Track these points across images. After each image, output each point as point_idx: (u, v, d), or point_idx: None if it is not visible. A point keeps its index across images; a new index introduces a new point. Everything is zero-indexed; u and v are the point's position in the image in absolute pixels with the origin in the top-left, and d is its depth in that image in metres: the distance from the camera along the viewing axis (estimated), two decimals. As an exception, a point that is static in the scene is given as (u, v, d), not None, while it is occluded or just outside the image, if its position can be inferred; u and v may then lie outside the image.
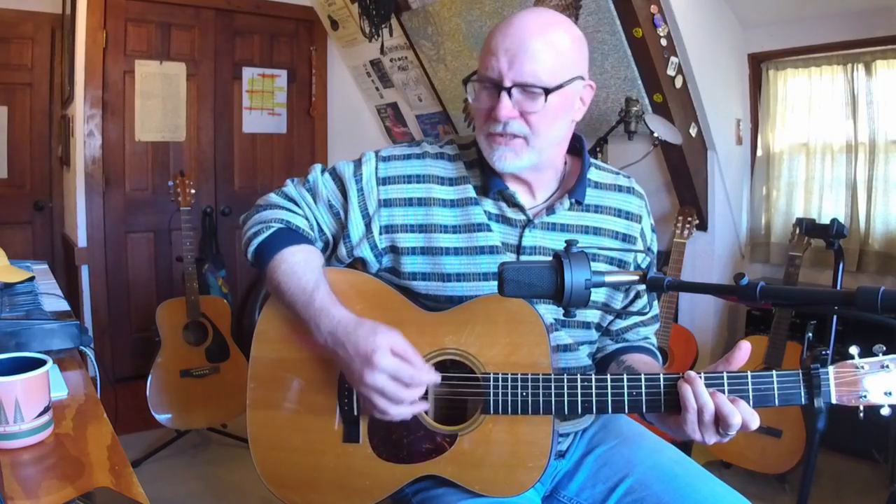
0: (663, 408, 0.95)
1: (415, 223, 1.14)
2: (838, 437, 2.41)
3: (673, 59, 2.67)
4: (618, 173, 1.25)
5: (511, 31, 1.04)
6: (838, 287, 2.14)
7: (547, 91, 1.03)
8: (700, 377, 0.92)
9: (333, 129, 4.19)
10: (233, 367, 2.85)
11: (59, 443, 0.96)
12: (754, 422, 0.90)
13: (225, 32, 3.78)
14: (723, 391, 0.93)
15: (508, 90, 1.03)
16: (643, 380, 0.96)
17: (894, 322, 0.85)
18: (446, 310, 1.08)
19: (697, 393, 0.91)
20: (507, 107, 1.04)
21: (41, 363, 0.96)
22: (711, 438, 0.92)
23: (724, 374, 0.93)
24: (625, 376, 0.97)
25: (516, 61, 1.03)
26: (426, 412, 1.06)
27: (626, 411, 0.98)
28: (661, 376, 0.96)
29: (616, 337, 1.25)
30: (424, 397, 1.05)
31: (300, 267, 1.10)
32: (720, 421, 0.90)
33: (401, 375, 0.99)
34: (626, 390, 0.97)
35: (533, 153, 1.09)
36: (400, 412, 1.01)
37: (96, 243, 3.45)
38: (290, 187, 1.21)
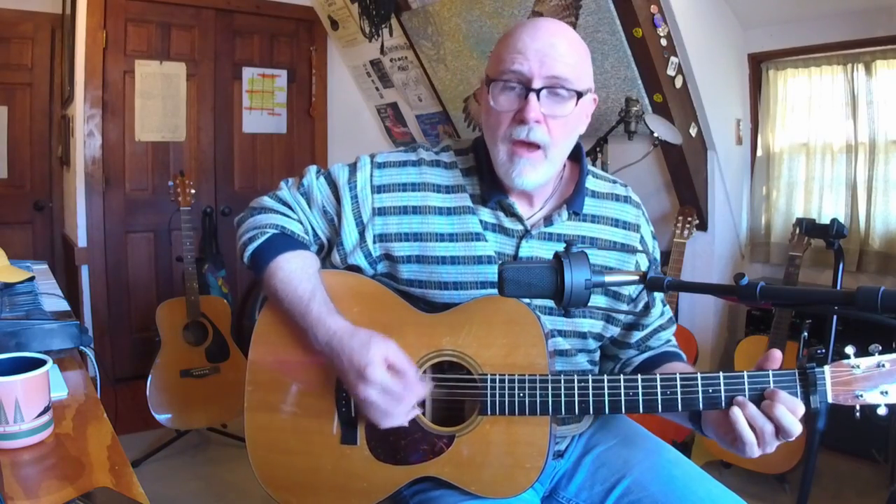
0: (660, 408, 0.95)
1: (409, 231, 1.13)
2: (838, 437, 2.41)
3: (673, 59, 2.67)
4: (615, 182, 1.23)
5: (539, 33, 1.04)
6: (838, 287, 2.14)
7: (579, 95, 1.04)
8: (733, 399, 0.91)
9: (333, 130, 4.18)
10: (233, 367, 2.85)
11: (59, 443, 0.96)
12: (800, 409, 0.90)
13: (225, 32, 3.78)
14: (718, 391, 0.92)
15: (538, 91, 1.03)
16: (640, 380, 0.96)
17: (894, 322, 0.85)
18: (443, 311, 1.08)
19: (751, 417, 0.90)
20: (535, 108, 1.02)
21: (41, 363, 0.96)
22: (773, 448, 0.92)
23: (721, 375, 0.93)
24: (621, 376, 0.97)
25: (548, 60, 1.02)
26: (423, 414, 1.06)
27: (624, 412, 0.98)
28: (659, 376, 0.96)
29: (639, 346, 1.23)
30: (421, 402, 1.05)
31: (296, 275, 1.09)
32: (781, 433, 0.90)
33: (392, 390, 0.99)
34: (622, 391, 0.97)
35: (548, 166, 1.08)
36: (391, 423, 1.01)
37: (96, 243, 3.45)
38: (285, 190, 1.20)
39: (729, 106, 2.95)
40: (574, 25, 2.73)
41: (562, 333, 1.15)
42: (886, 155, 2.66)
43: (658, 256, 1.26)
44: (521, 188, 1.09)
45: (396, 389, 0.99)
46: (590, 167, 1.21)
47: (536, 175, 1.07)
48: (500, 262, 1.12)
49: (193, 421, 2.79)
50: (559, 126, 1.05)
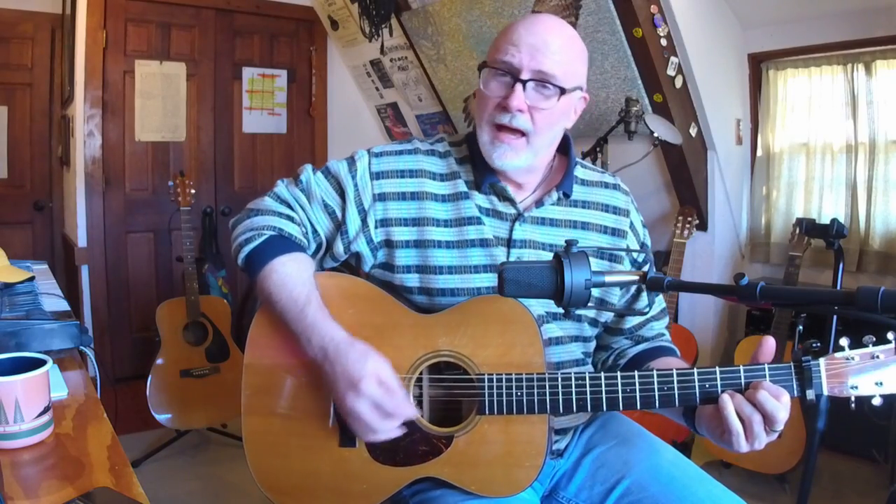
0: (658, 404, 0.96)
1: (408, 217, 1.16)
2: (838, 437, 2.40)
3: (673, 59, 2.67)
4: (603, 172, 1.28)
5: (536, 28, 1.08)
6: (838, 287, 2.14)
7: (562, 91, 1.07)
8: (729, 396, 0.92)
9: (333, 129, 4.19)
10: (233, 367, 2.85)
11: (59, 443, 0.96)
12: (784, 396, 0.90)
13: (225, 32, 3.78)
14: (715, 386, 0.93)
15: (524, 82, 1.06)
16: (636, 377, 0.97)
17: (894, 322, 0.85)
18: (439, 311, 1.08)
19: (739, 406, 0.91)
20: (519, 97, 1.07)
21: (41, 363, 0.96)
22: (762, 444, 0.92)
23: (717, 369, 0.94)
24: (618, 373, 0.98)
25: (538, 55, 1.06)
26: (417, 421, 1.06)
27: (621, 408, 0.98)
28: (655, 373, 0.96)
29: (631, 335, 1.25)
30: (419, 403, 1.06)
31: (291, 279, 1.09)
32: (767, 421, 0.90)
33: (383, 406, 1.00)
34: (619, 388, 0.97)
35: (530, 153, 1.12)
36: (374, 438, 1.02)
37: (96, 243, 3.45)
38: (282, 188, 1.20)
39: (729, 106, 2.95)
40: (574, 25, 2.73)
41: (556, 317, 1.16)
42: (886, 155, 2.66)
43: (648, 242, 1.28)
44: (502, 169, 1.12)
45: (388, 406, 1.00)
46: (578, 160, 1.24)
47: (517, 159, 1.11)
48: (496, 244, 1.14)
49: (193, 421, 2.79)
50: (543, 117, 1.09)
